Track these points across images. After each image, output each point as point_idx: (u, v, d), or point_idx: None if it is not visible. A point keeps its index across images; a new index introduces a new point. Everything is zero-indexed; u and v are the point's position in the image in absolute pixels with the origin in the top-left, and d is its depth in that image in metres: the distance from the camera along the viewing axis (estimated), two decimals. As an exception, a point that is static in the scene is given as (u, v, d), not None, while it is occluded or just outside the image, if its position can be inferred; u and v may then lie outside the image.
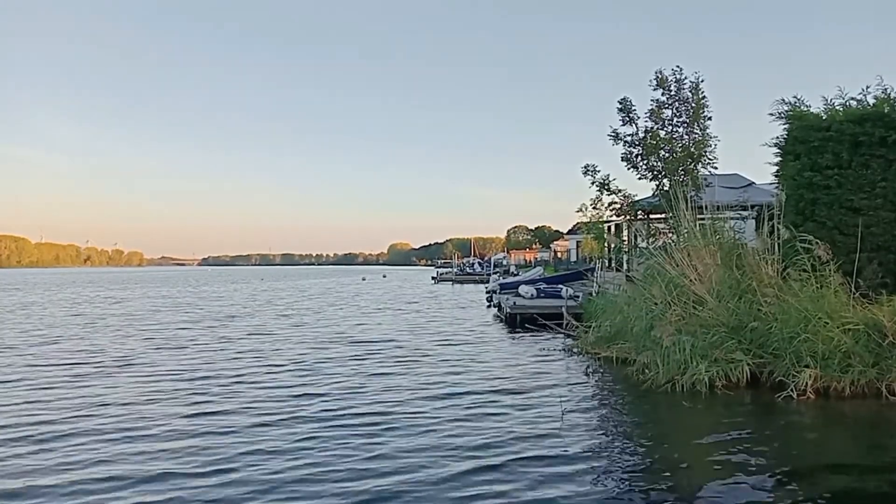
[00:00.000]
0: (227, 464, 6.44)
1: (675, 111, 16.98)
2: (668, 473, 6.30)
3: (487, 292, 33.46)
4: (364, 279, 75.75)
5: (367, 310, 28.46)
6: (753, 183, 21.77)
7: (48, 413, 8.76)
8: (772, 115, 13.12)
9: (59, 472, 6.23)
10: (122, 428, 7.89)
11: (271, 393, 10.10)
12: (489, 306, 29.26)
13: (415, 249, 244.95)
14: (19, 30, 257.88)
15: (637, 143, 17.27)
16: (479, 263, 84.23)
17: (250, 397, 9.78)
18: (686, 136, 16.95)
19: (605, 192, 18.30)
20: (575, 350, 14.30)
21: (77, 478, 6.05)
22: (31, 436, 7.56)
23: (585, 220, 25.47)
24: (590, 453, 6.85)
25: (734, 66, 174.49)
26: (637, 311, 12.15)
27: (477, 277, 65.13)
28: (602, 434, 7.76)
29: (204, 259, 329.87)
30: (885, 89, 11.98)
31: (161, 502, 5.47)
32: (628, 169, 17.58)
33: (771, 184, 14.96)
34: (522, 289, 25.62)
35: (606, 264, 26.14)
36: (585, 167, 18.14)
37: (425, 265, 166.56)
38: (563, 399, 9.36)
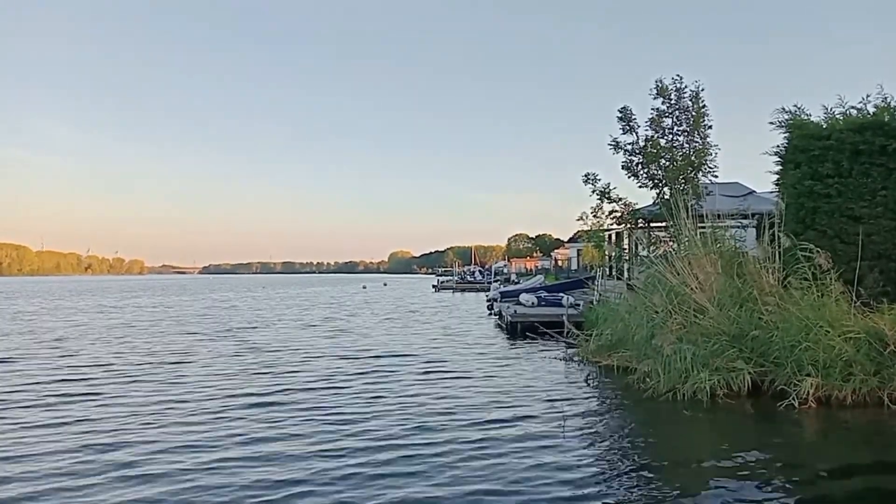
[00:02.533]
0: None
1: (675, 120, 17.02)
2: (669, 482, 6.27)
3: (488, 300, 33.46)
4: (364, 287, 75.71)
5: (380, 319, 28.10)
6: (754, 191, 21.79)
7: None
8: (772, 123, 13.17)
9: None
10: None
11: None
12: (490, 315, 29.23)
13: (415, 258, 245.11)
14: (20, 33, 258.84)
15: (637, 151, 17.31)
16: (480, 272, 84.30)
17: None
18: (686, 145, 16.99)
19: (606, 201, 18.33)
20: (576, 358, 14.28)
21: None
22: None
23: (586, 228, 25.43)
24: (591, 462, 6.84)
25: (735, 74, 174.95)
26: (638, 319, 12.14)
27: (477, 286, 65.19)
28: (603, 443, 7.74)
29: (205, 267, 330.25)
30: (886, 98, 12.03)
31: None
32: (629, 177, 17.64)
33: (771, 192, 14.99)
34: (523, 297, 25.62)
35: (607, 273, 26.11)
36: (586, 176, 18.18)
37: (426, 273, 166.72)
38: (563, 407, 9.34)
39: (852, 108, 12.39)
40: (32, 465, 6.75)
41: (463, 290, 63.47)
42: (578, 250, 54.08)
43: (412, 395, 10.52)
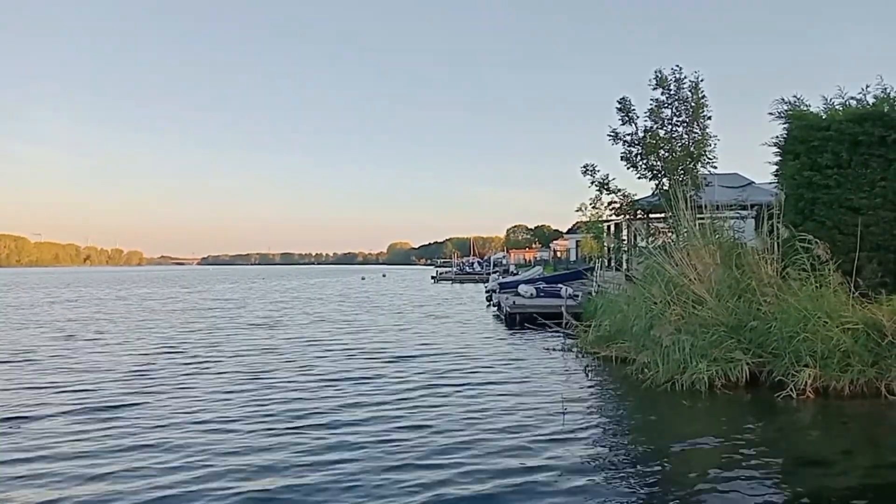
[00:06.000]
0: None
1: (674, 110, 16.96)
2: (667, 473, 6.30)
3: (487, 291, 33.50)
4: (363, 279, 75.72)
5: (388, 313, 27.26)
6: (753, 182, 21.77)
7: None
8: (771, 114, 13.15)
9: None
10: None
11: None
12: (489, 305, 29.28)
13: (414, 249, 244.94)
14: (19, 28, 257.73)
15: (636, 142, 17.26)
16: (479, 263, 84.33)
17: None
18: (685, 136, 16.93)
19: (605, 192, 18.29)
20: (574, 349, 14.31)
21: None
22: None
23: (585, 219, 25.53)
24: (589, 452, 6.85)
25: (734, 65, 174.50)
26: (636, 310, 12.15)
27: (476, 277, 65.17)
28: (602, 433, 7.77)
29: (204, 258, 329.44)
30: (885, 89, 12.02)
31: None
32: (628, 168, 17.58)
33: (770, 183, 14.97)
34: (522, 288, 25.65)
35: (606, 264, 26.12)
36: (585, 167, 18.12)
37: (425, 264, 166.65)
38: (563, 398, 9.35)
39: (852, 98, 12.39)
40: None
41: (462, 282, 63.47)
42: (577, 241, 54.00)
43: (414, 384, 10.56)
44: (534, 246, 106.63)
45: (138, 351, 14.90)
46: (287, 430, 7.74)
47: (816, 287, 10.20)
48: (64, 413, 8.78)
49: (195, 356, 13.99)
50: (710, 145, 16.82)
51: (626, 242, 22.17)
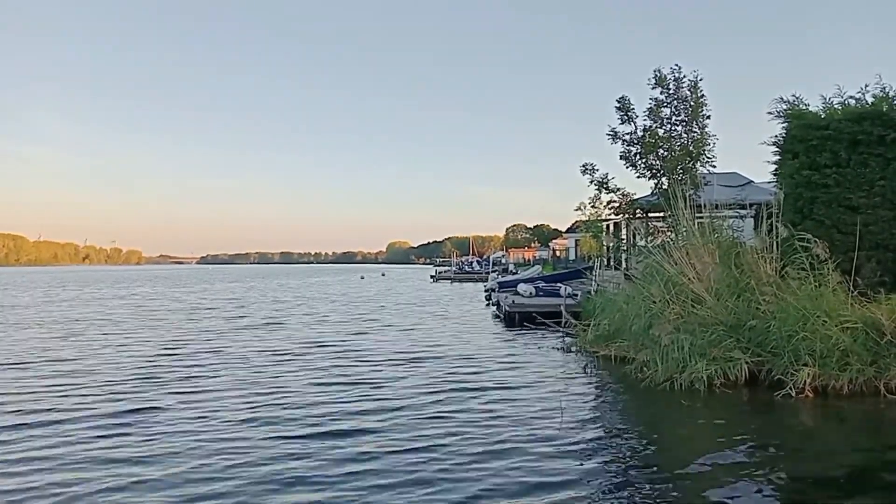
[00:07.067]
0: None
1: (673, 110, 16.99)
2: (666, 472, 6.30)
3: (486, 291, 33.51)
4: (362, 278, 75.69)
5: (388, 313, 27.39)
6: (752, 181, 21.82)
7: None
8: (770, 113, 13.15)
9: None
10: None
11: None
12: (488, 304, 29.29)
13: (413, 248, 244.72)
14: (19, 28, 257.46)
15: (636, 141, 17.29)
16: (478, 262, 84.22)
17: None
18: (685, 135, 16.96)
19: (604, 191, 18.33)
20: (574, 348, 14.32)
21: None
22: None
23: (584, 218, 25.46)
24: (589, 452, 6.87)
25: (734, 64, 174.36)
26: (636, 309, 12.15)
27: (475, 276, 65.11)
28: (601, 432, 7.77)
29: (203, 257, 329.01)
30: (884, 88, 12.01)
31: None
32: (627, 167, 17.63)
33: (769, 182, 14.99)
34: (521, 287, 25.68)
35: (605, 263, 26.14)
36: (584, 166, 18.15)
37: (424, 263, 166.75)
38: (562, 397, 9.36)
39: (851, 97, 12.39)
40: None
41: (461, 281, 63.40)
42: (576, 240, 53.94)
43: (413, 381, 10.57)
44: (533, 245, 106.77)
45: (140, 353, 14.74)
46: (299, 437, 7.51)
47: (815, 286, 10.21)
48: (67, 419, 8.49)
49: (198, 359, 13.78)
50: (709, 144, 16.87)
51: (625, 241, 22.17)
